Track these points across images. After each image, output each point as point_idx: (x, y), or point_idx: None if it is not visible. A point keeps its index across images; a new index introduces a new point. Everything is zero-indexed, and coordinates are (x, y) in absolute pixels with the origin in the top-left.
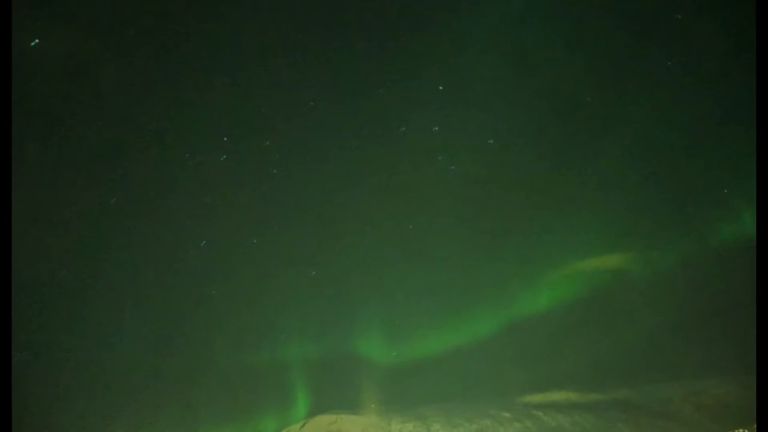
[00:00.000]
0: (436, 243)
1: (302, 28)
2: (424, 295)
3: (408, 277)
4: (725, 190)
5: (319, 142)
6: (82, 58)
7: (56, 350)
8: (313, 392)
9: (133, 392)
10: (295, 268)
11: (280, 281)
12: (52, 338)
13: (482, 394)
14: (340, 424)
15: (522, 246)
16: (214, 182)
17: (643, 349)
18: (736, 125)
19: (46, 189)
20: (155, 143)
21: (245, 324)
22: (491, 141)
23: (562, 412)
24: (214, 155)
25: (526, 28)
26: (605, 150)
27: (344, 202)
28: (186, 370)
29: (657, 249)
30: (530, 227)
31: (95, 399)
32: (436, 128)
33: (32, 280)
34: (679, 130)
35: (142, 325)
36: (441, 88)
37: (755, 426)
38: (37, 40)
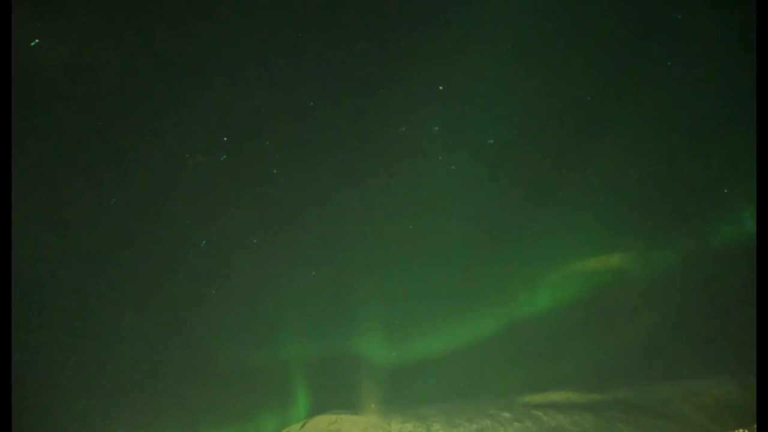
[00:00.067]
0: (436, 243)
1: (302, 28)
2: (424, 295)
3: (408, 276)
4: (725, 190)
5: (319, 142)
6: (82, 58)
7: (56, 350)
8: (313, 392)
9: (133, 392)
10: (295, 268)
11: (280, 281)
12: (52, 338)
13: (482, 394)
14: (340, 424)
15: (522, 246)
16: (214, 182)
17: (643, 349)
18: (736, 125)
19: (46, 189)
20: (155, 143)
21: (245, 324)
22: (491, 141)
23: (562, 412)
24: (214, 155)
25: (526, 28)
26: (605, 150)
27: (344, 202)
28: (186, 370)
29: (657, 249)
30: (530, 227)
31: (95, 399)
32: (436, 128)
33: (32, 280)
34: (679, 130)
35: (142, 325)
36: (441, 88)
37: (755, 426)
38: (37, 40)
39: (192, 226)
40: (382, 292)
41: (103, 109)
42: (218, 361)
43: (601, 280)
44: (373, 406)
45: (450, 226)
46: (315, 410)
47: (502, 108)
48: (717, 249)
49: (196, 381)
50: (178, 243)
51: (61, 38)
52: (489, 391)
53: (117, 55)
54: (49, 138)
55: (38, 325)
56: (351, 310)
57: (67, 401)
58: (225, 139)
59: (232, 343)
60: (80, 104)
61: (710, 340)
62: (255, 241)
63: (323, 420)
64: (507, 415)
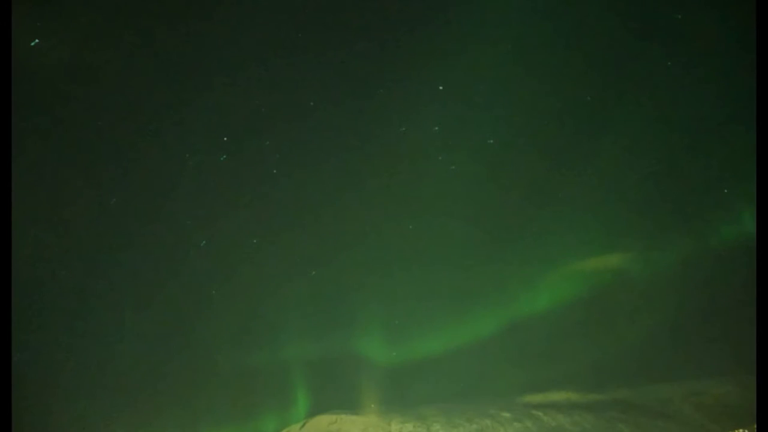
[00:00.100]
0: (436, 243)
1: (302, 28)
2: (424, 295)
3: (408, 276)
4: (725, 190)
5: (319, 142)
6: (82, 58)
7: (56, 350)
8: (313, 392)
9: (133, 392)
10: (295, 268)
11: (280, 281)
12: (52, 338)
13: (482, 394)
14: (340, 424)
15: (522, 246)
16: (214, 182)
17: (643, 349)
18: (736, 125)
19: (46, 189)
20: (155, 143)
21: (245, 324)
22: (491, 141)
23: (562, 412)
24: (214, 155)
25: (526, 28)
26: (605, 150)
27: (344, 202)
28: (186, 370)
29: (657, 249)
30: (530, 227)
31: (95, 399)
32: (436, 128)
33: (32, 280)
34: (679, 130)
35: (142, 325)
36: (441, 88)
37: (755, 426)
38: (37, 40)
39: (192, 226)
40: (382, 292)
41: (103, 109)
42: (218, 361)
43: (601, 280)
44: (373, 406)
45: (450, 226)
46: (315, 410)
47: (502, 108)
48: (717, 249)
49: (196, 381)
50: (178, 243)
51: (61, 38)
52: (489, 391)
53: (117, 55)
54: (49, 138)
55: (38, 325)
56: (351, 310)
57: (67, 401)
58: (225, 139)
59: (232, 343)
60: (80, 104)
61: (710, 340)
62: (255, 241)
63: (323, 420)
64: (507, 415)
